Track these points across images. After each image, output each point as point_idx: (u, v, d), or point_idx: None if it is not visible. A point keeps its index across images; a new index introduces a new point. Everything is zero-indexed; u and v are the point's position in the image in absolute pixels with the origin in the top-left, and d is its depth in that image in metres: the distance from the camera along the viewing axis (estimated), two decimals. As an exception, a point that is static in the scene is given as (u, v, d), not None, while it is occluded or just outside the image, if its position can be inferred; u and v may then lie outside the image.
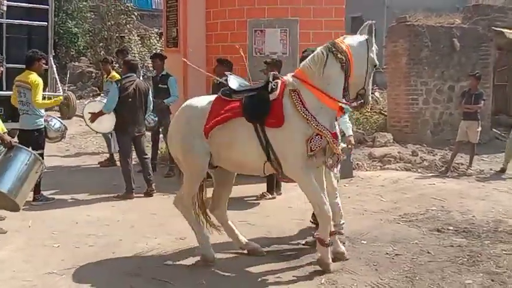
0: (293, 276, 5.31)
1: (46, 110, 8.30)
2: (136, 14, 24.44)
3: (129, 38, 23.36)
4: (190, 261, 5.67)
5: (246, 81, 6.74)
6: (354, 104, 5.44)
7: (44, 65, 8.21)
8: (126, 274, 5.32)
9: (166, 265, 5.59)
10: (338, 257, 5.61)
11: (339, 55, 5.18)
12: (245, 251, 5.87)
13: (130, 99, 8.33)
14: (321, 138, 5.09)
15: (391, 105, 13.70)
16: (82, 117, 12.73)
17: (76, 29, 25.11)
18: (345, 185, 8.73)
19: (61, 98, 8.44)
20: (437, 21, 14.50)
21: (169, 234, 6.50)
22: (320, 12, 9.66)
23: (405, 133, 13.04)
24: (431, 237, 6.51)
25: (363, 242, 6.26)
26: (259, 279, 5.22)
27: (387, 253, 5.92)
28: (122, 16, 23.73)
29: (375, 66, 5.39)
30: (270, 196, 8.30)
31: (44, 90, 8.08)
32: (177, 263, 5.66)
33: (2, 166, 6.17)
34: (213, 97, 5.66)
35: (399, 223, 7.10)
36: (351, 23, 15.68)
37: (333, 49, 5.21)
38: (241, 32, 9.75)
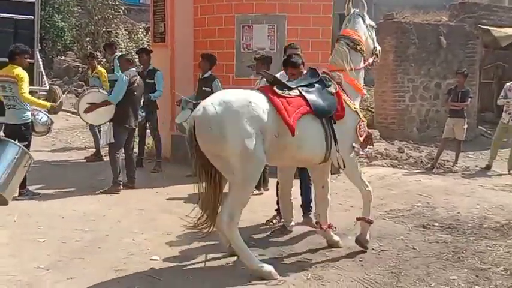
0: (279, 272, 5.32)
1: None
2: (123, 8, 24.32)
3: (116, 33, 23.22)
4: (176, 256, 5.67)
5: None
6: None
7: (28, 59, 8.16)
8: (113, 269, 5.30)
9: (152, 260, 5.57)
10: (334, 245, 5.95)
11: (358, 47, 5.80)
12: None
13: (135, 93, 8.40)
14: (365, 123, 5.70)
15: (378, 102, 13.75)
16: (69, 111, 12.66)
17: (63, 23, 24.92)
18: (331, 181, 8.73)
19: (49, 105, 8.28)
20: (424, 18, 14.58)
21: (156, 230, 6.49)
22: (308, 8, 9.67)
23: (392, 130, 13.11)
24: (417, 233, 6.57)
25: (349, 237, 6.28)
26: (246, 275, 5.23)
27: (373, 249, 5.95)
28: (109, 10, 23.59)
29: (374, 27, 6.18)
30: (257, 192, 8.30)
31: (29, 84, 8.01)
32: (164, 258, 5.65)
33: None
34: (252, 91, 5.41)
35: (385, 219, 7.15)
36: (339, 20, 15.69)
37: (351, 44, 5.78)
38: (229, 27, 9.75)
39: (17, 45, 8.07)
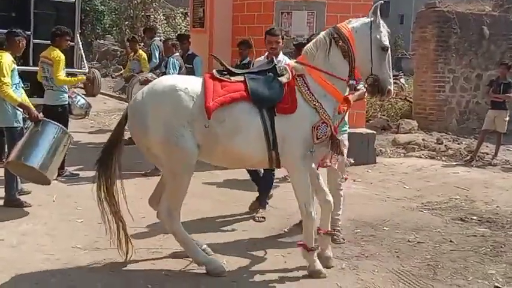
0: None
1: (75, 87, 8.31)
2: (162, -7, 24.49)
3: (155, 17, 23.37)
4: (210, 239, 5.68)
5: None
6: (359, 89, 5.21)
7: (68, 42, 8.24)
8: (149, 251, 5.37)
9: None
10: (324, 262, 5.08)
11: (340, 42, 4.81)
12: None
13: None
14: (327, 126, 4.75)
15: (417, 92, 13.55)
16: (107, 94, 12.78)
17: (102, 6, 25.20)
18: (368, 171, 8.69)
19: (83, 77, 8.33)
20: (467, 8, 14.29)
21: (192, 213, 6.50)
22: (348, -5, 9.53)
23: (430, 121, 12.91)
24: (454, 226, 6.47)
25: (385, 228, 6.23)
26: (281, 263, 5.23)
27: (409, 240, 5.89)
28: (148, -6, 23.77)
29: (384, 48, 4.83)
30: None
31: (70, 67, 8.10)
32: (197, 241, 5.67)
33: (31, 141, 6.22)
34: (191, 77, 5.20)
35: (422, 211, 7.05)
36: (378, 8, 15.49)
37: (335, 35, 4.84)
38: (268, 13, 9.68)
39: (59, 27, 8.15)
